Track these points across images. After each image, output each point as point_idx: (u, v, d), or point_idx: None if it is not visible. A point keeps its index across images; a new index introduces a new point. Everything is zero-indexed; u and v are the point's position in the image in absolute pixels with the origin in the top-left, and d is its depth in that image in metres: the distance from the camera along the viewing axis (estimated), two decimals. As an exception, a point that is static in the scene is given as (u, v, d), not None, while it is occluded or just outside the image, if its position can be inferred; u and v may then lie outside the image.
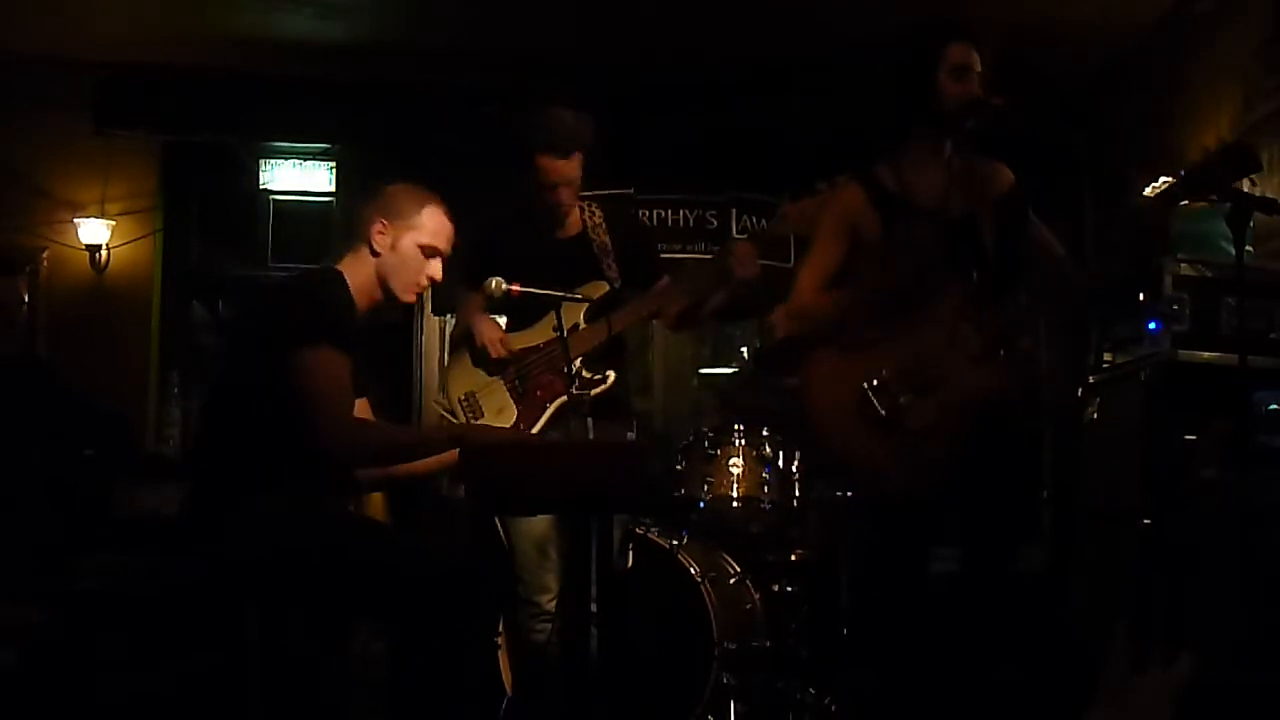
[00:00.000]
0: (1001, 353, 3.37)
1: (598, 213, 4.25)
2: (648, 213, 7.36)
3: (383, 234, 3.29)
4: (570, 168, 4.07)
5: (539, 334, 4.10)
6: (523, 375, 4.09)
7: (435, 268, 3.36)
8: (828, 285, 3.54)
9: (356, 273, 3.30)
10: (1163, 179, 4.90)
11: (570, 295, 3.84)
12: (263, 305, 3.35)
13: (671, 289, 4.09)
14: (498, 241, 4.17)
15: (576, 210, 4.21)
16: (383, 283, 3.32)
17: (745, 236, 4.11)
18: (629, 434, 4.18)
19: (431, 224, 3.33)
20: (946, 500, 3.35)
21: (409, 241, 3.30)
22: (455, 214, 3.43)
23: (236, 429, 3.18)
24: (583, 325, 4.02)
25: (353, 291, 3.26)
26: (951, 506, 3.36)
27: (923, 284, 3.41)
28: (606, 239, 4.19)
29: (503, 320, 4.27)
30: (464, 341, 4.22)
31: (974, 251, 3.47)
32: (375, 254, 3.30)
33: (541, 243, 4.14)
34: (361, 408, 3.37)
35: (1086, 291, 3.49)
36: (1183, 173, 3.24)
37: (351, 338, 3.17)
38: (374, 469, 3.43)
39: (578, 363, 3.91)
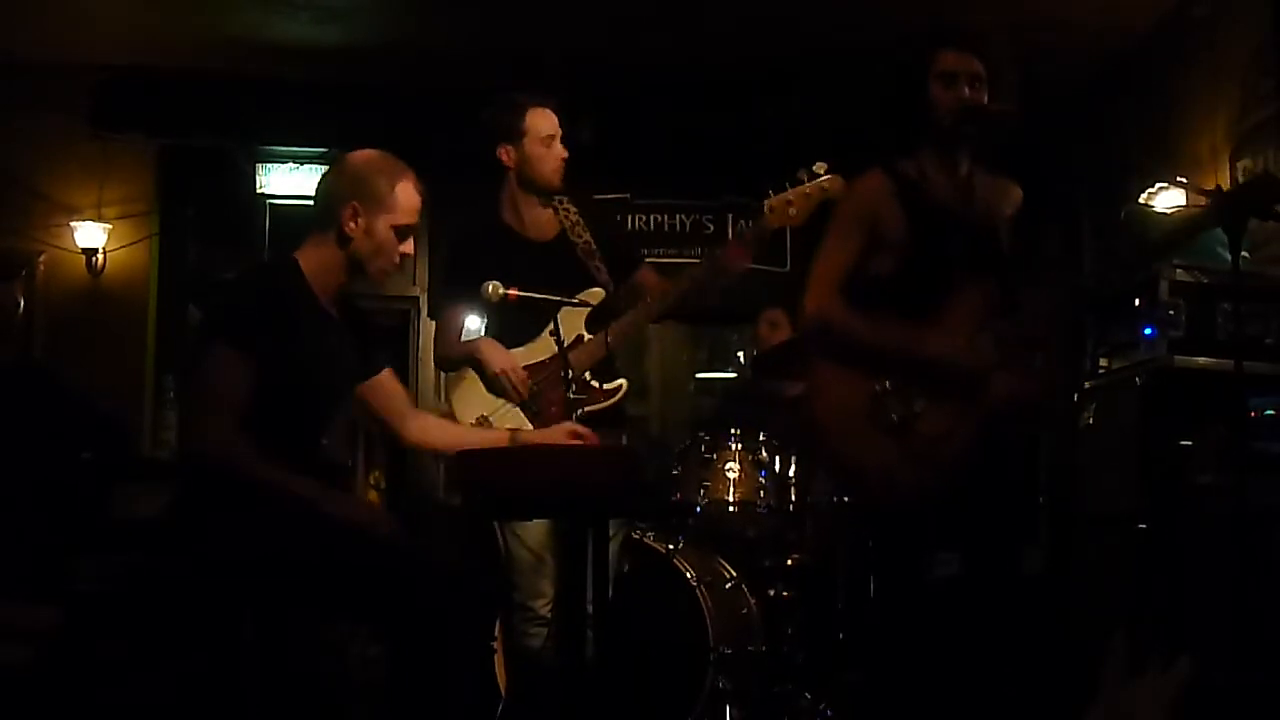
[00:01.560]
0: (1019, 358, 3.34)
1: (573, 210, 4.12)
2: (644, 217, 7.37)
3: (355, 218, 3.11)
4: (556, 121, 4.02)
5: (542, 348, 3.95)
6: (533, 394, 3.96)
7: (409, 246, 3.20)
8: (845, 280, 3.44)
9: (318, 258, 3.14)
10: (1159, 184, 4.92)
11: (569, 300, 3.79)
12: (211, 302, 3.31)
13: (665, 299, 4.01)
14: (479, 248, 4.11)
15: (549, 209, 4.13)
16: (353, 266, 3.15)
17: (735, 239, 3.99)
18: (621, 438, 4.16)
19: (405, 202, 3.16)
20: (947, 505, 3.32)
21: (383, 225, 3.12)
22: (452, 219, 3.39)
23: None
24: (586, 336, 3.95)
25: (311, 278, 3.13)
26: (952, 511, 3.34)
27: (943, 283, 3.37)
28: (589, 238, 4.10)
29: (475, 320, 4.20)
30: (469, 365, 4.08)
31: (994, 258, 3.44)
32: (346, 240, 3.12)
33: (523, 247, 4.05)
34: (380, 386, 3.35)
35: (1080, 303, 3.47)
36: (1209, 198, 3.22)
37: (289, 332, 3.05)
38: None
39: (586, 374, 3.88)
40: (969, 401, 3.27)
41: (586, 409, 3.81)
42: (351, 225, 3.11)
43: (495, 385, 3.94)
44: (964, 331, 3.32)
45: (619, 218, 6.99)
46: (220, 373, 2.97)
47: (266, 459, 2.99)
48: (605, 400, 3.93)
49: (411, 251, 3.23)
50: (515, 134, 4.03)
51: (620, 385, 3.99)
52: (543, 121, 4.02)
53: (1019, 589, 3.46)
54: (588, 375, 3.92)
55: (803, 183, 3.80)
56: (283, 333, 3.02)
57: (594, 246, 4.08)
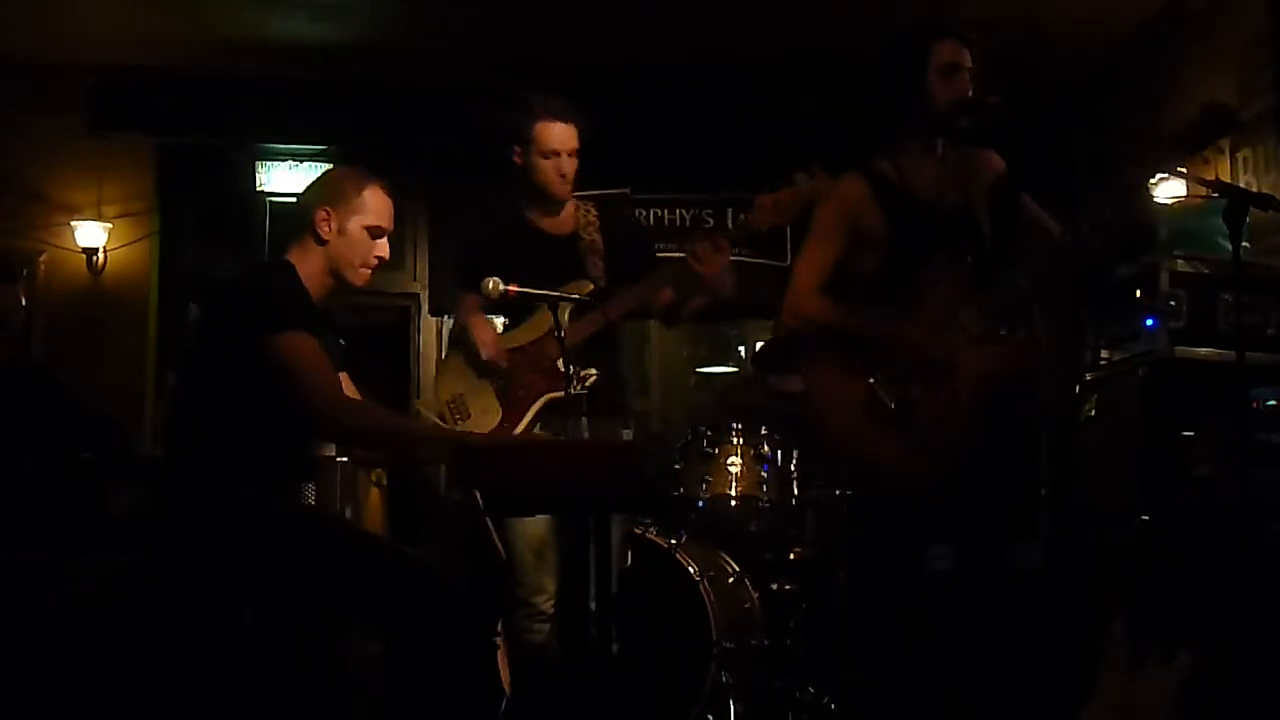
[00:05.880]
0: (1002, 333, 3.36)
1: (592, 211, 4.22)
2: (644, 211, 7.36)
3: (327, 221, 3.30)
4: (572, 135, 4.05)
5: (524, 334, 4.09)
6: (507, 377, 4.08)
7: (383, 246, 3.37)
8: (826, 280, 3.49)
9: (305, 263, 3.30)
10: (1159, 176, 4.90)
11: (566, 295, 3.83)
12: (224, 300, 3.35)
13: (653, 282, 4.07)
14: (492, 242, 4.17)
15: (572, 206, 4.20)
16: (333, 270, 3.32)
17: (704, 234, 4.06)
18: (625, 432, 4.17)
19: (374, 204, 3.34)
20: (944, 496, 3.33)
21: (355, 225, 3.31)
22: (450, 215, 3.43)
23: (204, 426, 3.20)
24: (565, 324, 4.00)
25: (304, 281, 3.27)
26: (948, 504, 3.34)
27: (923, 274, 3.38)
28: (598, 237, 4.16)
29: (500, 321, 4.26)
30: (459, 343, 4.21)
31: (971, 238, 3.45)
32: (323, 242, 3.30)
33: (532, 242, 4.12)
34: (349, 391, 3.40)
35: (1081, 260, 3.46)
36: (1162, 139, 3.23)
37: (314, 323, 3.17)
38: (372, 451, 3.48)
39: (560, 363, 3.90)
40: (954, 384, 3.28)
41: (550, 395, 3.94)
42: (324, 227, 3.30)
43: (478, 358, 4.06)
44: (947, 321, 3.33)
45: (633, 220, 7.00)
46: (310, 354, 3.09)
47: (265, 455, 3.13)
48: (567, 389, 3.94)
49: (387, 254, 3.39)
50: (523, 140, 4.09)
51: (589, 374, 4.00)
52: (548, 135, 4.05)
53: (1013, 584, 3.47)
54: (560, 363, 3.93)
55: (795, 184, 3.82)
56: (312, 324, 3.17)
57: (599, 245, 4.14)
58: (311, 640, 3.75)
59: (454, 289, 4.29)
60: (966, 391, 3.31)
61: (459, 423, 4.04)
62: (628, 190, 7.27)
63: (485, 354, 4.04)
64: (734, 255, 4.00)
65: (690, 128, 7.12)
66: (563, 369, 3.78)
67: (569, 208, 4.19)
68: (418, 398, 7.16)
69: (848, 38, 5.32)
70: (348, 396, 3.25)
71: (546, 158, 4.05)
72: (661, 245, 7.12)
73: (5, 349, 6.78)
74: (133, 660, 4.23)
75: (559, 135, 4.04)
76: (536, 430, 3.99)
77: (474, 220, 4.26)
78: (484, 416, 4.05)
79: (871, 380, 3.35)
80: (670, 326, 4.41)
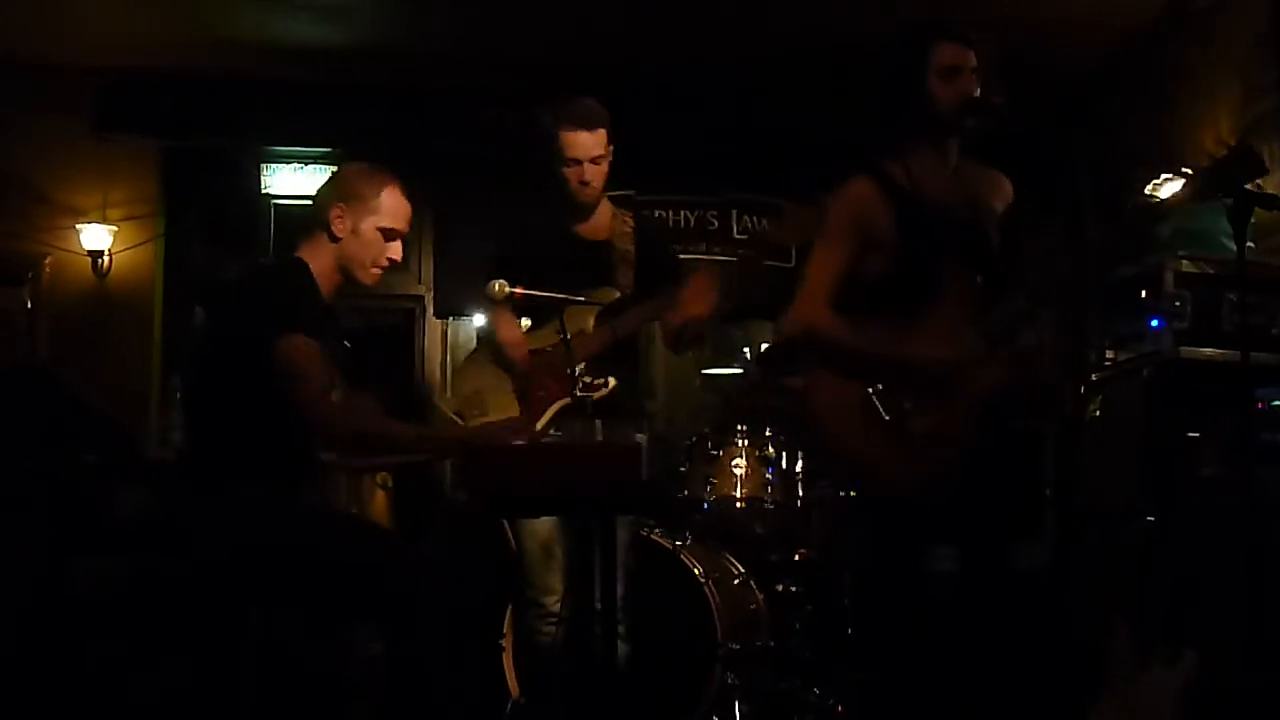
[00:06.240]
0: (1003, 353, 3.34)
1: (629, 220, 4.23)
2: (648, 213, 7.37)
3: (341, 219, 3.29)
4: (595, 142, 4.05)
5: (545, 337, 4.11)
6: (526, 378, 4.09)
7: (395, 249, 3.36)
8: (838, 283, 3.45)
9: (317, 259, 3.30)
10: (1163, 175, 4.90)
11: (574, 299, 3.83)
12: (230, 301, 3.35)
13: (660, 305, 4.07)
14: (523, 243, 4.18)
15: (608, 214, 4.20)
16: (343, 268, 3.31)
17: (699, 271, 4.09)
18: (639, 436, 4.17)
19: (390, 205, 3.33)
20: (947, 498, 3.32)
21: (369, 225, 3.30)
22: (455, 216, 3.43)
23: (207, 427, 3.22)
24: (589, 330, 4.02)
25: (315, 278, 3.27)
26: (951, 505, 3.34)
27: (930, 283, 3.37)
28: (630, 247, 4.18)
29: (527, 321, 4.28)
30: (486, 340, 4.24)
31: (979, 250, 3.44)
32: (335, 239, 3.29)
33: (564, 244, 4.14)
34: (365, 403, 3.41)
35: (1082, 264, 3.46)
36: (1190, 176, 3.22)
37: (319, 323, 3.17)
38: (368, 456, 3.49)
39: (580, 366, 3.90)
40: (954, 399, 3.27)
41: (566, 400, 3.95)
42: (338, 225, 3.28)
43: (500, 354, 4.10)
44: (952, 328, 3.32)
45: (664, 229, 6.97)
46: (301, 359, 3.08)
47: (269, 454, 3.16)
48: (590, 393, 3.94)
49: (399, 256, 3.39)
50: (548, 148, 4.10)
51: (608, 382, 4.00)
52: (570, 144, 4.06)
53: (1018, 585, 3.46)
54: (581, 368, 3.94)
55: (821, 205, 3.82)
56: (317, 325, 3.17)
57: (631, 255, 4.17)
58: (313, 640, 3.76)
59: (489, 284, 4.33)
60: (963, 409, 3.30)
61: (476, 418, 4.06)
62: (632, 192, 7.27)
63: (510, 352, 4.06)
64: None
65: (692, 129, 7.11)
66: (574, 373, 3.80)
67: (605, 214, 4.20)
68: (421, 400, 7.17)
69: (848, 38, 5.32)
70: (333, 402, 3.23)
71: (568, 166, 4.05)
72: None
73: (10, 352, 6.79)
74: (133, 660, 4.23)
75: (581, 144, 4.04)
76: (551, 433, 4.00)
77: (483, 221, 4.26)
78: (502, 415, 4.06)
79: (870, 391, 3.33)
80: (677, 353, 4.39)
